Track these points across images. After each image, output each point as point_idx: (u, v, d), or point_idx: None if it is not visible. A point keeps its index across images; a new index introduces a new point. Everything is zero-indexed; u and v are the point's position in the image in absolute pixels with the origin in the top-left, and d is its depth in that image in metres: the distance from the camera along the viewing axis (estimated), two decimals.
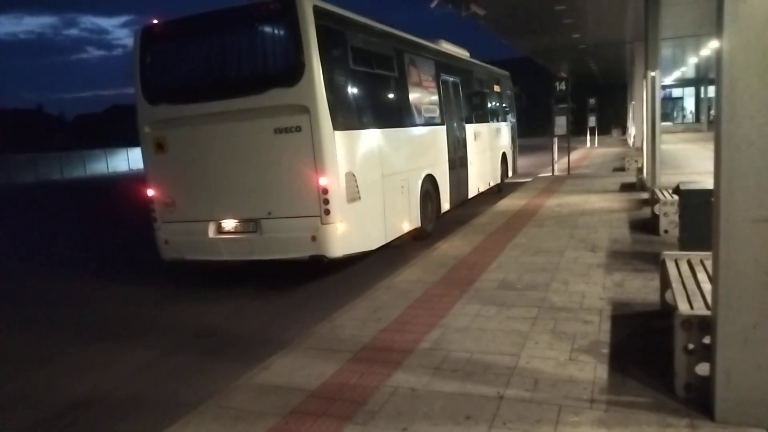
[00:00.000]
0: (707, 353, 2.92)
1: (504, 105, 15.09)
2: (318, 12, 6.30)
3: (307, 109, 6.17)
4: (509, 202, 11.30)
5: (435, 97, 9.81)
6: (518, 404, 3.14)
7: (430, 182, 9.07)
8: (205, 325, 5.60)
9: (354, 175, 6.67)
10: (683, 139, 30.37)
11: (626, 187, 12.27)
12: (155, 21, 6.94)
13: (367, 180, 7.01)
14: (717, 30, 2.67)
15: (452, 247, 7.47)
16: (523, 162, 18.16)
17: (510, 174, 15.19)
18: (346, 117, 6.80)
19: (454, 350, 3.98)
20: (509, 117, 15.47)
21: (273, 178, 6.46)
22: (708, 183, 4.99)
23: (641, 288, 5.08)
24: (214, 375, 4.29)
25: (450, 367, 3.69)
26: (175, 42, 7.00)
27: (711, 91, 40.10)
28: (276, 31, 6.63)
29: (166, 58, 7.03)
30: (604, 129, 40.62)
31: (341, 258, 6.55)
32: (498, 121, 14.19)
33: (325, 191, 6.25)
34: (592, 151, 27.35)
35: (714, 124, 2.80)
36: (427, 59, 9.72)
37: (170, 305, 6.48)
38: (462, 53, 12.50)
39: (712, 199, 2.79)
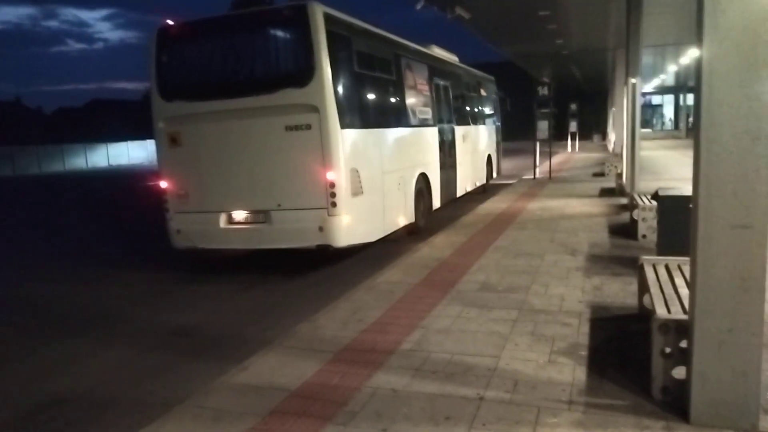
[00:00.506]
0: (684, 357, 2.97)
1: (489, 109, 15.66)
2: (327, 19, 6.69)
3: (316, 109, 6.55)
4: (491, 205, 11.37)
5: (428, 100, 10.25)
6: (498, 405, 3.16)
7: (423, 180, 9.48)
8: (183, 325, 5.54)
9: (357, 171, 7.05)
10: (662, 145, 30.84)
11: (606, 192, 12.42)
12: (171, 22, 7.23)
13: (368, 176, 7.37)
14: (697, 39, 2.72)
15: (434, 248, 7.50)
16: (506, 165, 18.39)
17: (495, 175, 15.66)
18: (352, 116, 7.16)
19: (435, 351, 3.99)
20: (494, 120, 15.98)
21: (283, 172, 6.82)
22: (686, 189, 5.08)
23: (619, 292, 5.15)
24: (192, 374, 4.25)
25: (430, 368, 3.71)
26: (190, 42, 7.32)
27: (690, 99, 40.77)
28: (289, 36, 7.07)
29: (181, 58, 7.35)
30: (585, 134, 41.08)
31: (345, 247, 6.94)
32: (484, 124, 14.71)
33: (332, 185, 6.64)
34: (573, 155, 27.65)
35: (693, 132, 2.85)
36: (421, 64, 10.16)
37: (146, 304, 6.41)
38: (452, 58, 12.92)
39: (691, 206, 2.84)
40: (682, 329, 2.99)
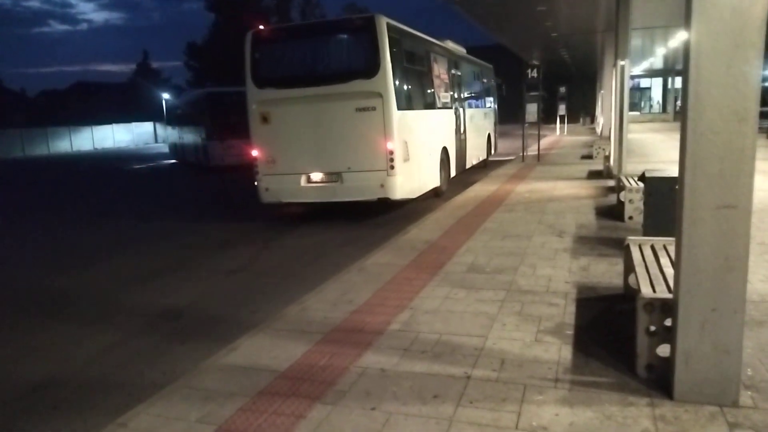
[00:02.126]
0: (668, 335, 3.01)
1: (490, 93, 17.77)
2: (389, 27, 8.74)
3: (380, 95, 8.55)
4: (480, 188, 11.40)
5: (448, 87, 12.36)
6: (485, 384, 3.19)
7: (444, 153, 11.50)
8: (172, 307, 5.53)
9: (407, 143, 9.09)
10: (650, 128, 30.98)
11: (594, 175, 12.49)
12: (261, 27, 9.35)
13: (413, 147, 9.37)
14: (685, 20, 2.71)
15: (423, 230, 7.51)
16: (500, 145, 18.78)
17: (493, 152, 17.78)
18: (403, 101, 9.18)
19: (424, 332, 4.02)
20: (493, 104, 18.14)
21: (352, 143, 8.79)
22: (672, 171, 5.11)
23: (606, 272, 5.21)
24: (181, 356, 4.26)
25: (419, 348, 3.73)
26: (278, 42, 9.39)
27: (678, 82, 40.83)
28: (360, 40, 8.93)
29: (270, 54, 9.25)
30: (573, 117, 41.11)
31: (398, 200, 9.07)
32: (486, 106, 16.95)
33: (391, 153, 8.67)
34: (561, 138, 27.70)
35: (680, 114, 2.86)
36: (443, 57, 12.26)
37: (135, 287, 6.38)
38: (461, 51, 14.82)
39: (677, 187, 2.86)
40: (666, 308, 3.03)
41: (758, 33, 2.56)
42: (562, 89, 29.53)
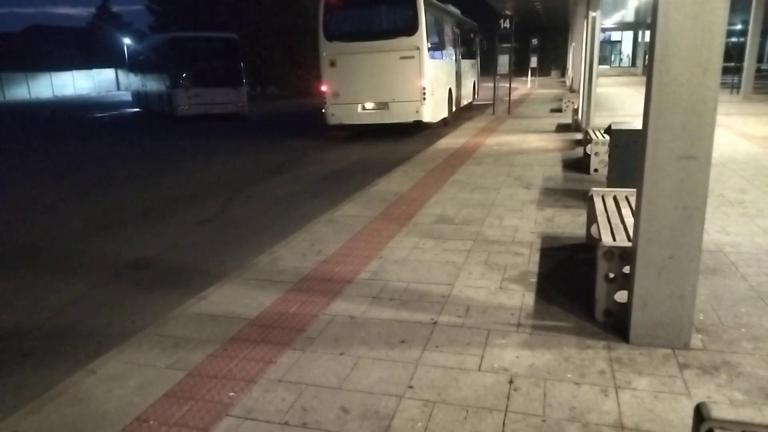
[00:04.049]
0: (626, 282, 3.13)
1: (475, 47, 21.31)
2: (425, 1, 12.37)
3: (417, 48, 12.25)
4: (450, 141, 11.41)
5: (452, 42, 16.13)
6: (450, 329, 3.29)
7: (449, 92, 15.21)
8: (140, 257, 5.48)
9: (432, 82, 12.77)
10: (619, 82, 31.19)
11: (562, 128, 12.59)
12: None
13: (435, 85, 13.12)
14: None
15: (392, 182, 7.53)
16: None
17: (476, 96, 21.42)
18: (432, 52, 12.85)
19: (392, 280, 4.09)
20: (477, 56, 21.86)
21: (396, 81, 12.50)
22: (638, 124, 5.18)
23: (569, 223, 5.33)
24: (150, 306, 4.25)
25: (387, 296, 3.81)
26: (344, 8, 12.70)
27: (648, 36, 40.89)
28: (404, 7, 12.38)
29: (337, 16, 12.70)
30: (544, 70, 41.07)
31: (427, 122, 12.95)
32: (473, 58, 20.60)
33: (423, 88, 12.48)
34: (532, 91, 27.70)
35: (647, 67, 2.89)
36: (452, 20, 16.37)
37: (103, 237, 6.28)
38: (457, 12, 17.92)
39: (640, 139, 2.91)
40: (625, 256, 3.13)
41: None
42: (535, 41, 29.35)
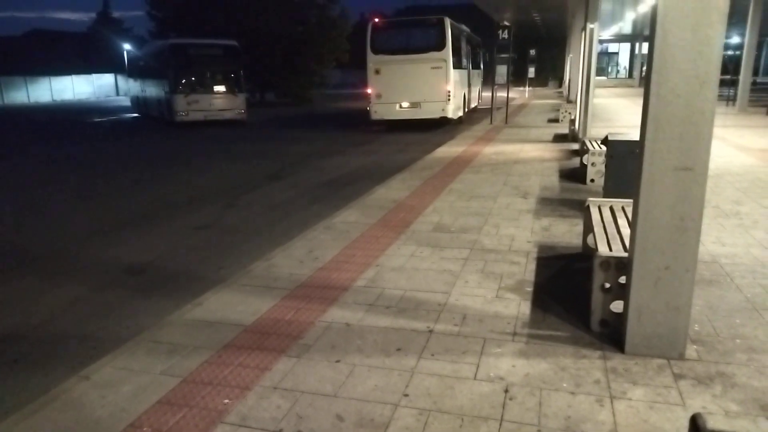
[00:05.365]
0: (622, 292, 3.13)
1: (479, 59, 24.62)
2: (450, 24, 16.00)
3: (444, 60, 15.82)
4: (448, 149, 11.44)
5: (465, 55, 19.42)
6: (446, 338, 3.29)
7: (464, 96, 18.94)
8: (136, 262, 5.47)
9: (454, 86, 16.24)
10: (615, 93, 31.34)
11: (559, 138, 12.64)
12: (377, 19, 16.24)
13: (455, 90, 16.62)
14: None
15: (390, 190, 7.54)
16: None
17: (480, 101, 24.28)
18: (455, 64, 16.36)
19: (389, 288, 4.08)
20: (480, 67, 25.16)
21: (427, 86, 15.90)
22: (634, 135, 5.20)
23: (566, 232, 5.34)
24: (146, 312, 4.24)
25: (384, 304, 3.80)
26: (388, 29, 16.39)
27: (645, 48, 41.11)
28: (434, 29, 15.97)
29: (382, 34, 16.14)
30: (542, 80, 41.23)
31: (450, 118, 16.51)
32: (478, 68, 24.03)
33: (448, 92, 15.98)
34: (529, 101, 27.81)
35: (645, 80, 2.91)
36: (464, 36, 19.52)
37: (100, 241, 6.27)
38: (467, 30, 20.65)
39: (637, 150, 2.93)
40: (621, 266, 3.14)
41: None
42: (532, 52, 29.48)
